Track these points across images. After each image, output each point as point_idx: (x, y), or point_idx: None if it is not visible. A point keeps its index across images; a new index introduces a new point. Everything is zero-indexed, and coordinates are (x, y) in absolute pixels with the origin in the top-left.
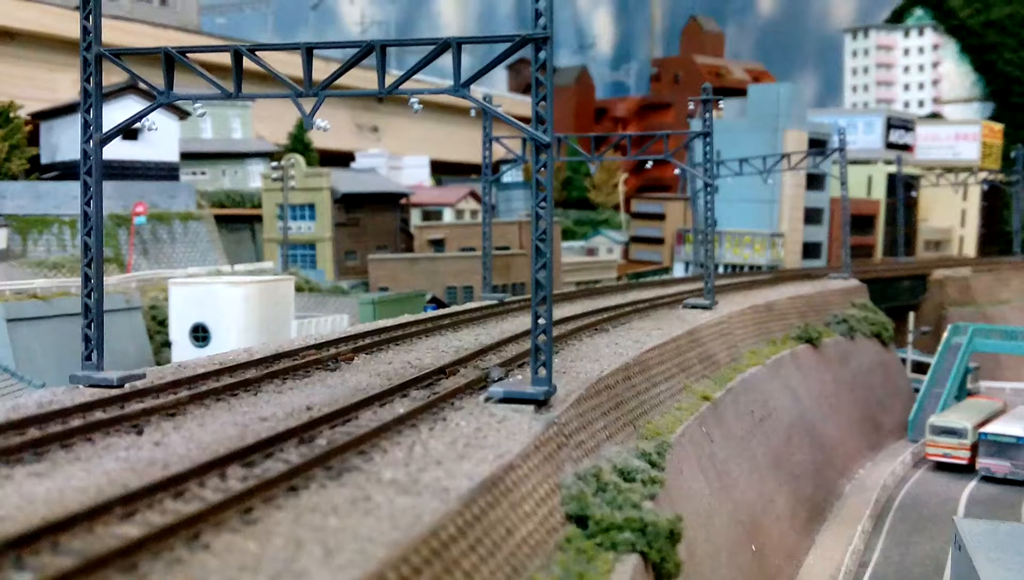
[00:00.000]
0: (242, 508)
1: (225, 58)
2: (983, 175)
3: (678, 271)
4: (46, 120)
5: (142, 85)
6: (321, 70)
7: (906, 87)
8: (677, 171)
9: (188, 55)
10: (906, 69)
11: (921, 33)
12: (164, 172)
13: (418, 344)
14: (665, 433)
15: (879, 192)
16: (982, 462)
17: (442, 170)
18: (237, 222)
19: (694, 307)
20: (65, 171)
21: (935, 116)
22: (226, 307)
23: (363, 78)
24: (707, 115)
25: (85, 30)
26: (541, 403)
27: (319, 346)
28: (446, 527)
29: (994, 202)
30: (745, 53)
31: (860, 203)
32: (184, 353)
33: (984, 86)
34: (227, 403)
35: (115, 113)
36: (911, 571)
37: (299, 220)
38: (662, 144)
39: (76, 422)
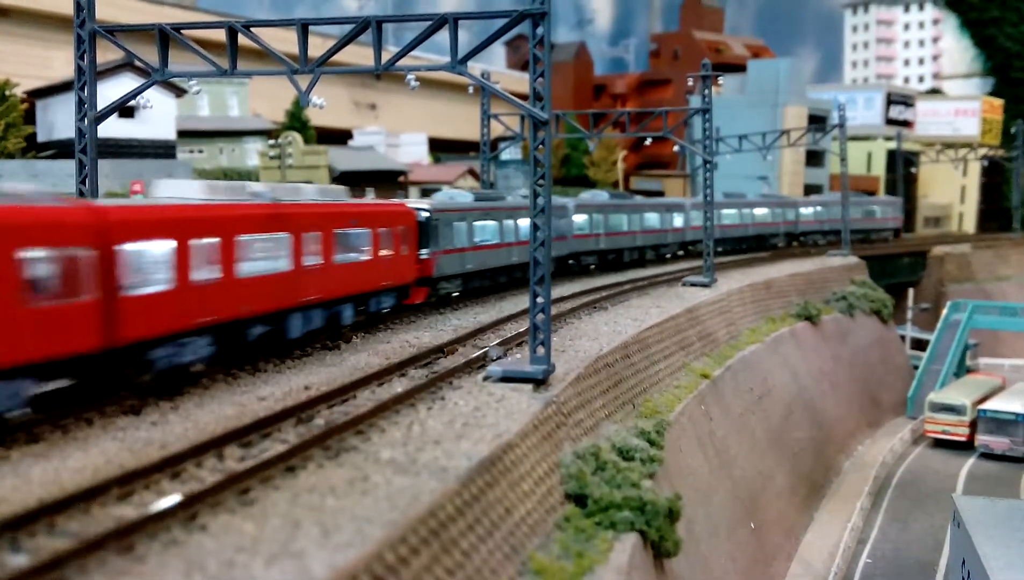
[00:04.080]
0: (240, 489)
1: (221, 35)
2: (983, 151)
3: None
4: (42, 98)
5: (137, 63)
6: (318, 47)
7: (906, 62)
8: (676, 148)
9: (183, 32)
10: (906, 44)
11: (921, 8)
12: (161, 150)
13: (417, 322)
14: (664, 411)
15: (879, 168)
16: (981, 439)
17: (440, 147)
18: None
19: (693, 285)
20: (62, 149)
21: (935, 91)
22: None
23: (360, 55)
24: (706, 91)
25: (78, 6)
26: (540, 382)
27: None
28: (444, 507)
29: (994, 178)
30: (745, 29)
31: (860, 179)
32: None
33: (984, 61)
34: (225, 383)
35: (110, 91)
36: (910, 548)
37: None
38: (661, 121)
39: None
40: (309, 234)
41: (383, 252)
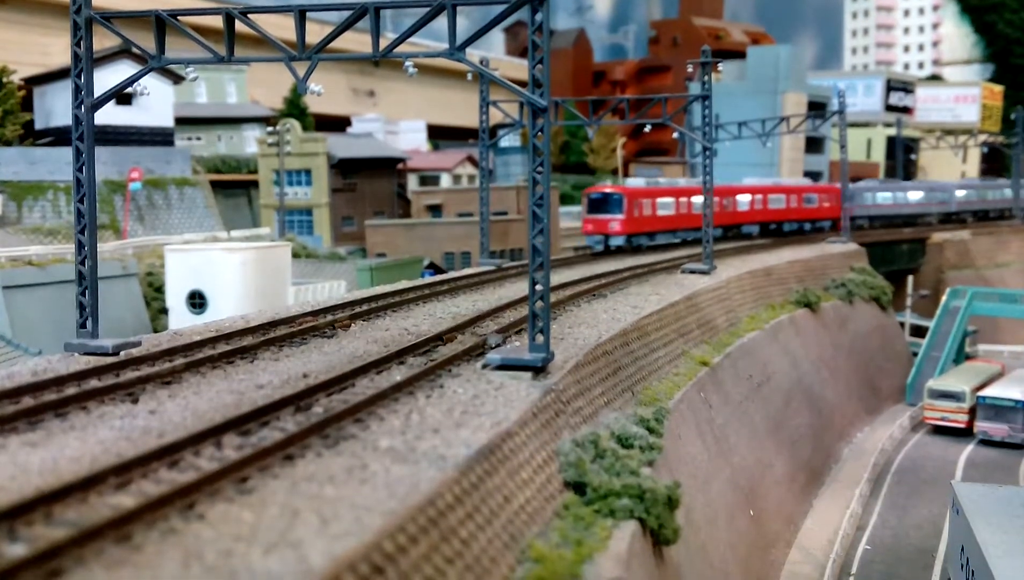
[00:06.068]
0: (238, 477)
1: (218, 21)
2: (983, 137)
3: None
4: (39, 85)
5: (135, 49)
6: (316, 33)
7: (906, 49)
8: (676, 135)
9: (180, 18)
10: (906, 30)
11: None
12: (159, 137)
13: (415, 310)
14: (663, 399)
15: (878, 155)
16: (980, 426)
17: (439, 135)
18: (233, 188)
19: (692, 272)
20: (59, 137)
21: (935, 78)
22: (223, 273)
23: (358, 41)
24: (706, 78)
25: None
26: (539, 370)
27: (316, 313)
28: (443, 495)
29: (993, 165)
30: (744, 15)
31: (859, 166)
32: (181, 320)
33: (984, 47)
34: (223, 371)
35: (108, 78)
36: (908, 535)
37: (295, 186)
38: (660, 107)
39: (71, 390)
40: (794, 195)
41: (825, 204)
